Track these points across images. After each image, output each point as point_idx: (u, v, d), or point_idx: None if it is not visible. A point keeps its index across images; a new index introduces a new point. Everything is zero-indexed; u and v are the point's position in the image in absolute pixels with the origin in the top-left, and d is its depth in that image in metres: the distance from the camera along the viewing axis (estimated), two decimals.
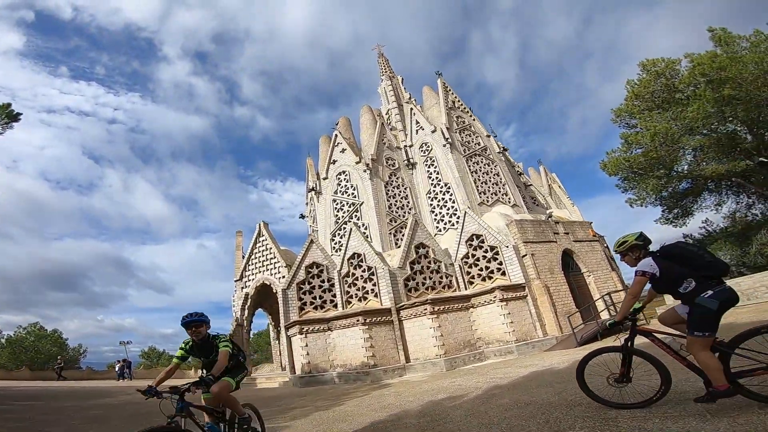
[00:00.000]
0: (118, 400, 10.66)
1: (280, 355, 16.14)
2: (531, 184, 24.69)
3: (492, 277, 14.70)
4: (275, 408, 8.24)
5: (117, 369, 25.68)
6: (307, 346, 13.03)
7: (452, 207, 18.28)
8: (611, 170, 20.45)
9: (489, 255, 14.95)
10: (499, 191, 19.90)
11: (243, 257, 16.91)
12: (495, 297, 13.69)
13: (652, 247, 3.45)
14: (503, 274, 14.69)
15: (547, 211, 19.90)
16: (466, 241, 15.33)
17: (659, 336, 3.36)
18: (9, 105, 12.53)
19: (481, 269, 14.84)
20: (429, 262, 14.64)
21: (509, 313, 13.63)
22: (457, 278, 14.73)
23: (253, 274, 16.61)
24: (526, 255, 15.01)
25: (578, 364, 3.71)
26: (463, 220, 15.78)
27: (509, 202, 19.45)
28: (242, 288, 16.81)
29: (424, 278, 14.27)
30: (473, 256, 15.10)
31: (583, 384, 3.68)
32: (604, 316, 13.38)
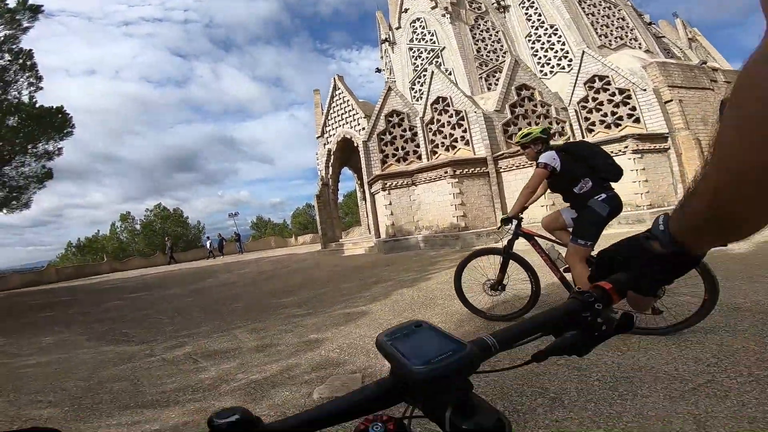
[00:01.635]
0: (204, 284, 9.99)
1: (367, 216, 15.04)
2: (663, 36, 18.85)
3: (620, 125, 11.21)
4: (356, 282, 6.83)
5: (208, 246, 26.32)
6: (390, 204, 11.34)
7: (561, 50, 14.25)
8: None
9: (617, 99, 11.26)
10: (626, 35, 15.26)
11: (322, 114, 15.31)
12: (626, 147, 10.40)
13: None
14: (636, 121, 11.10)
15: (698, 60, 14.98)
16: (585, 83, 11.65)
17: (540, 241, 3.23)
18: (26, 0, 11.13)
19: (604, 115, 11.34)
20: (534, 106, 11.45)
21: (643, 169, 10.39)
22: (571, 124, 11.47)
23: (333, 129, 15.02)
24: (671, 101, 11.09)
25: (457, 266, 3.49)
26: (581, 60, 11.88)
27: (640, 48, 14.88)
28: (324, 144, 15.47)
29: (528, 123, 11.25)
30: (594, 99, 11.51)
31: (459, 289, 3.48)
32: None
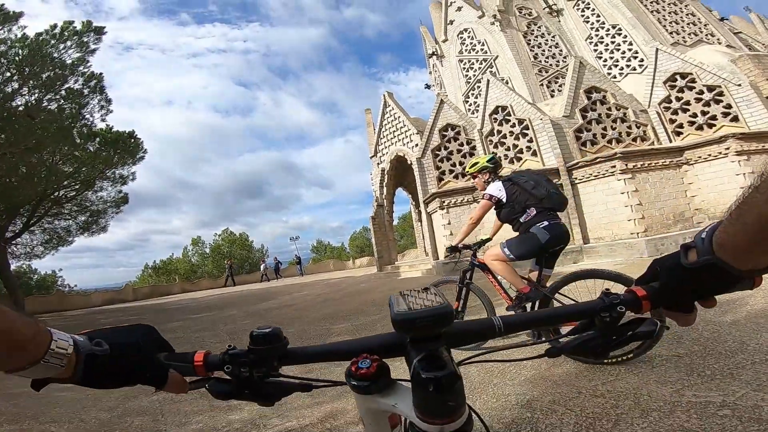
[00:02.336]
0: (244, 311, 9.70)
1: (423, 238, 14.31)
2: (740, 32, 17.03)
3: (714, 125, 9.77)
4: None
5: (261, 269, 26.19)
6: (449, 224, 10.46)
7: (629, 50, 13.05)
8: None
9: (707, 97, 9.89)
10: (700, 31, 13.88)
11: (374, 133, 15.03)
12: (727, 149, 8.96)
13: None
14: (734, 120, 9.63)
15: None
16: (665, 82, 10.40)
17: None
18: (91, 22, 11.93)
19: (693, 115, 9.97)
20: (608, 109, 10.29)
21: (752, 172, 8.82)
22: (654, 128, 10.17)
23: (386, 147, 14.59)
24: None
25: None
26: (656, 58, 10.70)
27: (719, 43, 13.41)
28: (378, 164, 15.07)
29: (604, 128, 10.08)
30: (679, 99, 10.19)
31: None
32: None
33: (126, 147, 12.98)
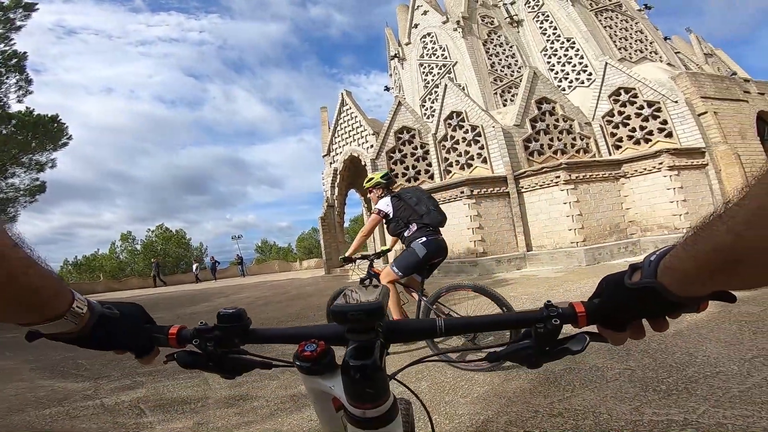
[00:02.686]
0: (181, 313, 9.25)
1: (374, 241, 14.16)
2: (679, 52, 18.18)
3: (650, 140, 10.33)
4: None
5: (194, 269, 24.78)
6: None
7: (579, 63, 13.59)
8: None
9: (646, 112, 10.44)
10: (645, 48, 14.65)
11: (329, 131, 14.67)
12: (661, 163, 9.50)
13: None
14: (668, 135, 10.23)
15: (728, 70, 14.22)
16: (610, 96, 10.88)
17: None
18: None
19: (633, 129, 10.50)
20: (556, 120, 10.63)
21: (681, 188, 9.45)
22: (596, 141, 10.62)
23: (340, 147, 14.28)
24: (705, 113, 10.29)
25: (328, 301, 3.78)
26: (604, 72, 11.18)
27: (661, 61, 14.20)
28: (330, 164, 14.67)
29: (551, 139, 10.41)
30: (621, 113, 10.70)
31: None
32: None
33: (47, 131, 11.88)
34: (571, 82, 13.68)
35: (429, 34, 15.69)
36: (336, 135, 14.42)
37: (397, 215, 3.22)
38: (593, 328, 0.50)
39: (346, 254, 3.46)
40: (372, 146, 12.21)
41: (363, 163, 12.77)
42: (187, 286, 20.71)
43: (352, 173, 14.37)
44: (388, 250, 3.67)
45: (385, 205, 3.26)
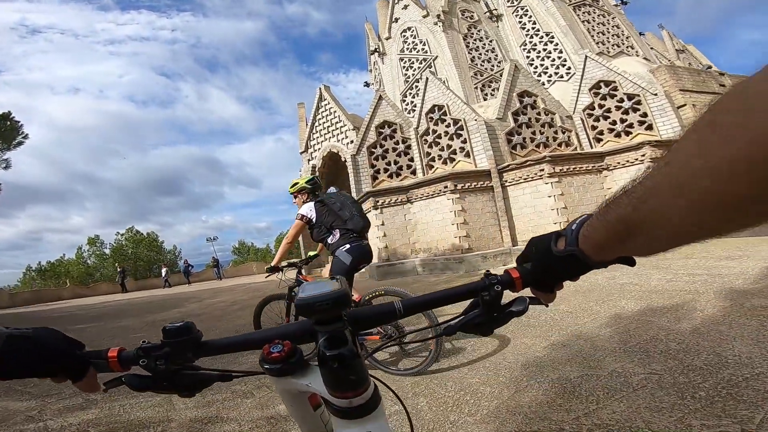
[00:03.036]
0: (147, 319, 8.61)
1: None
2: (653, 48, 18.56)
3: (630, 132, 10.35)
4: None
5: (163, 275, 23.42)
6: (383, 224, 10.07)
7: (559, 57, 13.60)
8: None
9: (627, 105, 10.45)
10: (622, 43, 14.81)
11: (306, 127, 14.13)
12: (643, 155, 9.44)
13: None
14: (648, 128, 10.27)
15: (700, 65, 14.52)
16: (590, 89, 10.85)
17: None
18: None
19: (613, 122, 10.49)
20: (538, 114, 10.50)
21: None
22: (577, 134, 10.56)
23: (318, 143, 13.82)
24: (684, 106, 10.39)
25: (255, 310, 3.54)
26: (584, 65, 11.16)
27: (637, 55, 14.37)
28: (308, 161, 14.18)
29: (533, 133, 10.27)
30: (601, 106, 10.68)
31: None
32: None
33: None
34: (550, 76, 13.67)
35: (409, 29, 15.44)
36: (314, 131, 13.94)
37: (321, 221, 3.12)
38: (528, 292, 0.53)
39: (272, 264, 3.30)
40: (352, 142, 11.83)
41: (343, 159, 12.35)
42: (158, 291, 19.80)
43: (331, 170, 13.92)
44: (316, 255, 3.56)
45: (308, 210, 3.15)
